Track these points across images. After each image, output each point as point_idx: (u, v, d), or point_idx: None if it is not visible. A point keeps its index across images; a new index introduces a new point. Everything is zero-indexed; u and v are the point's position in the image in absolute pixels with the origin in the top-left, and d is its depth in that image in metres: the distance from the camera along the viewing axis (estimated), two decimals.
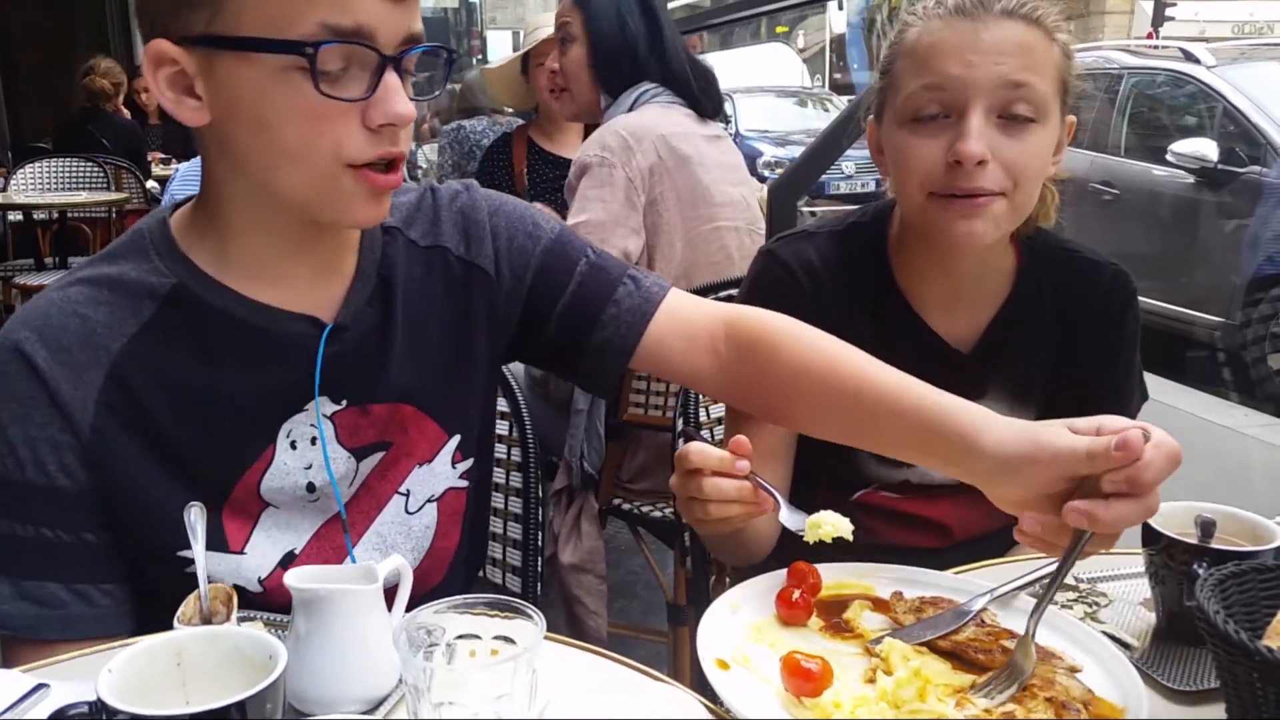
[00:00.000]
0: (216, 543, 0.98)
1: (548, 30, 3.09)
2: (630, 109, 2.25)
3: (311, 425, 1.02)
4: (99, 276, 0.98)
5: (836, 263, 1.28)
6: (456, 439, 1.12)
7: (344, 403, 1.04)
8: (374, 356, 1.05)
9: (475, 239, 1.11)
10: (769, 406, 1.11)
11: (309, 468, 1.03)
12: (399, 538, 1.09)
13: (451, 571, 1.16)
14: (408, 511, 1.10)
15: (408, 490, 1.10)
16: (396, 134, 0.91)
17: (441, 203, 1.13)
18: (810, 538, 0.94)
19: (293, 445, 1.02)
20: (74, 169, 5.63)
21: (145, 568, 0.98)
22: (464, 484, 1.15)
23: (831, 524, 0.93)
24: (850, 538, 0.93)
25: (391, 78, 0.89)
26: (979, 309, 1.28)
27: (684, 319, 1.12)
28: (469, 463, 1.15)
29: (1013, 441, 0.87)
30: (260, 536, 1.02)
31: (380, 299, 1.05)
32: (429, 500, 1.11)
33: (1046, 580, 0.88)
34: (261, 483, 1.01)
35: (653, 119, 2.20)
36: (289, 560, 1.03)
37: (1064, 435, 0.84)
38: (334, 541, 1.05)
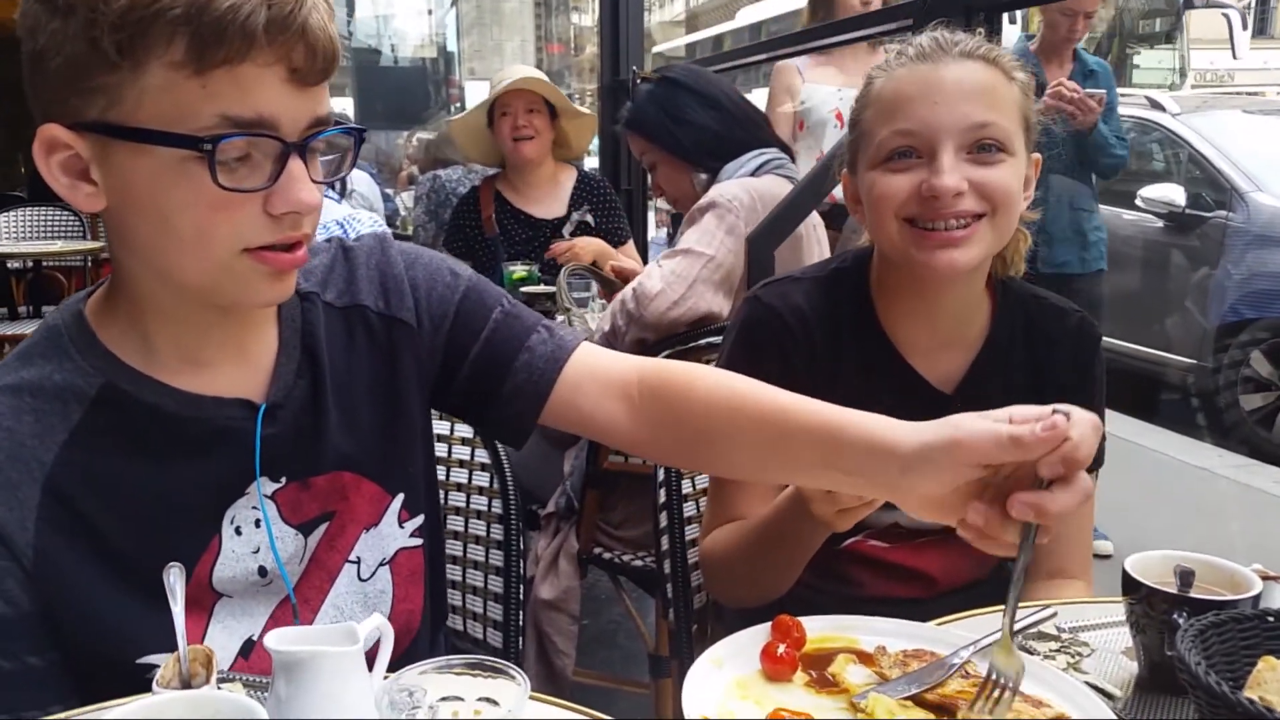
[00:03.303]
0: (174, 644, 0.93)
1: (511, 79, 3.11)
2: (754, 173, 2.26)
3: (253, 508, 0.99)
4: (18, 384, 0.93)
5: (822, 307, 1.30)
6: (400, 497, 1.10)
7: (283, 480, 1.01)
8: (309, 429, 1.02)
9: (394, 293, 1.09)
10: (683, 447, 1.09)
11: (257, 551, 1.00)
12: (355, 607, 1.07)
13: (419, 635, 1.13)
14: (360, 579, 1.08)
15: (358, 557, 1.07)
16: (300, 219, 0.90)
17: (357, 261, 1.10)
18: None
19: (237, 531, 0.99)
20: (49, 218, 5.60)
21: (101, 681, 0.91)
22: (416, 542, 1.12)
23: None
24: None
25: (295, 165, 0.87)
26: (960, 351, 1.30)
27: (597, 366, 1.10)
28: (418, 520, 1.12)
29: (928, 431, 0.86)
30: (217, 628, 0.99)
31: (308, 369, 1.03)
32: (380, 564, 1.09)
33: (1012, 578, 0.88)
34: (213, 575, 0.98)
35: (777, 189, 2.22)
36: (249, 649, 1.00)
37: (983, 420, 0.84)
38: (289, 622, 1.03)
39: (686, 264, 2.12)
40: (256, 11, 0.81)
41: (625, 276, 2.71)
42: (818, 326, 1.29)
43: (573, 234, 3.20)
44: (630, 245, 3.32)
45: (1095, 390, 1.33)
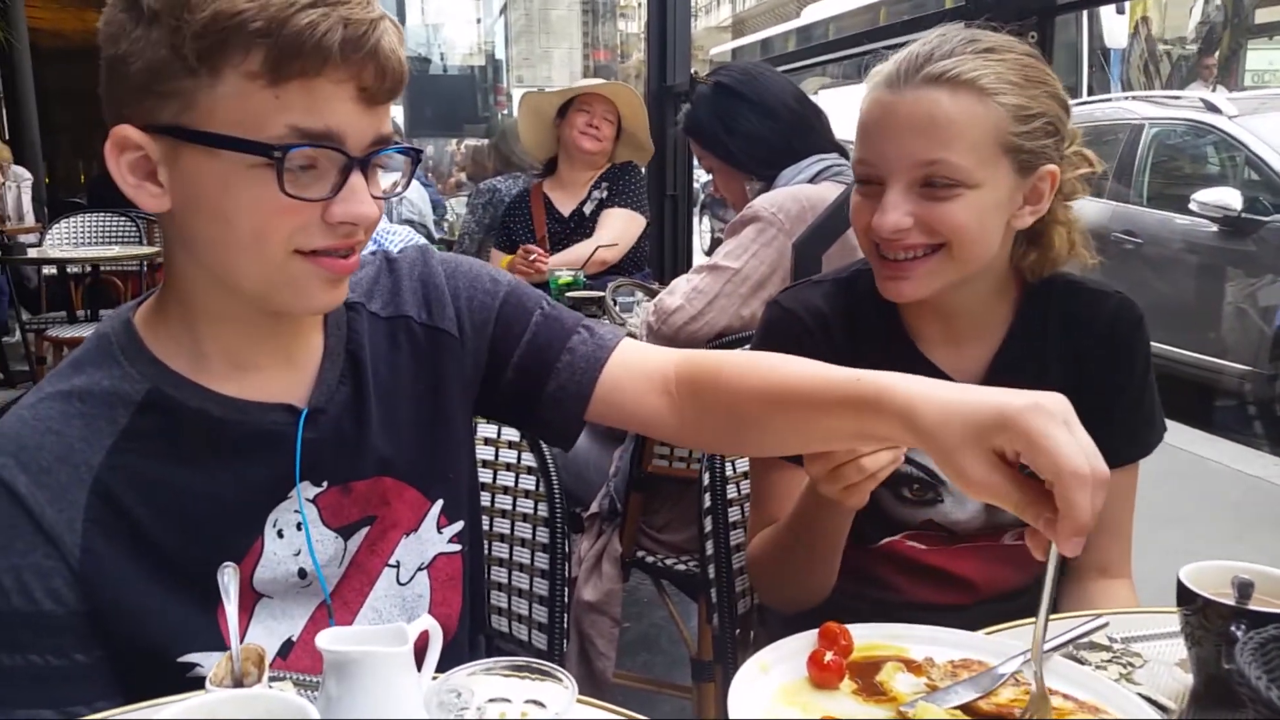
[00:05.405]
0: (215, 642, 0.96)
1: (603, 82, 3.42)
2: (813, 180, 2.25)
3: (295, 511, 1.01)
4: (69, 390, 0.96)
5: (842, 306, 1.32)
6: (439, 504, 1.12)
7: (325, 484, 1.03)
8: (351, 435, 1.04)
9: (436, 303, 1.12)
10: (721, 434, 1.10)
11: (298, 554, 1.02)
12: (394, 610, 1.08)
13: (457, 640, 1.14)
14: (399, 583, 1.09)
15: (397, 561, 1.09)
16: (355, 229, 0.93)
17: (401, 273, 1.13)
18: None
19: (279, 534, 1.01)
20: (107, 224, 5.73)
21: (143, 678, 0.94)
22: (455, 548, 1.13)
23: None
24: None
25: (357, 179, 0.90)
26: (982, 344, 1.30)
27: (637, 363, 1.12)
28: (458, 526, 1.13)
29: (965, 408, 0.84)
30: (257, 629, 1.00)
31: (351, 375, 1.05)
32: (419, 568, 1.10)
33: (1046, 603, 0.88)
34: (254, 576, 1.00)
35: (833, 195, 2.19)
36: (288, 649, 1.01)
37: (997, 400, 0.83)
38: (327, 624, 1.04)
39: (710, 280, 2.13)
40: (333, 30, 0.85)
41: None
42: (837, 326, 1.30)
43: (592, 212, 3.41)
44: (637, 217, 3.43)
45: (1140, 371, 1.30)
